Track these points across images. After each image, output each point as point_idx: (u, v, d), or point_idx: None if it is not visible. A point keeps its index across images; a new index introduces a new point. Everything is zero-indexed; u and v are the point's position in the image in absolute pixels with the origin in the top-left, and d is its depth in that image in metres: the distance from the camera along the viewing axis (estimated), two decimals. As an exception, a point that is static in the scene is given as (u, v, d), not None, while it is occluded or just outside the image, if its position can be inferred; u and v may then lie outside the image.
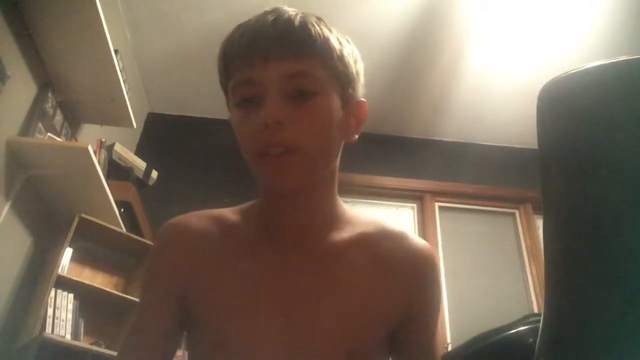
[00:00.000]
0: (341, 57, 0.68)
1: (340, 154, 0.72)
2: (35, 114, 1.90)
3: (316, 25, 0.66)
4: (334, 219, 0.72)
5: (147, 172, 2.69)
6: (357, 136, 0.73)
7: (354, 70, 0.70)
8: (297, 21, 0.64)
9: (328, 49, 0.66)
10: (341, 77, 0.68)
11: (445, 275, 3.01)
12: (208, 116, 3.29)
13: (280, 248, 0.70)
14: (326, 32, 0.67)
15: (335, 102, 0.67)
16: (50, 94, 2.00)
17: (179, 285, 0.70)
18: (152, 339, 0.70)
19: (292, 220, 0.70)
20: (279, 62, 0.63)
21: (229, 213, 0.76)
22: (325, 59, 0.65)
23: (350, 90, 0.70)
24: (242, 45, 0.65)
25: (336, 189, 0.74)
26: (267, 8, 0.68)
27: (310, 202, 0.70)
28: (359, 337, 0.67)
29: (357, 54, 0.73)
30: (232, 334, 0.67)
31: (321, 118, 0.65)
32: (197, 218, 0.75)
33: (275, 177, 0.64)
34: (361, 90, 0.73)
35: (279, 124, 0.61)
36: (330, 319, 0.66)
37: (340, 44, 0.68)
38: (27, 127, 1.87)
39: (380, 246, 0.71)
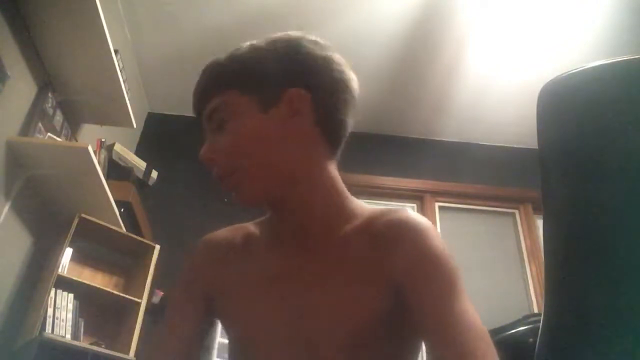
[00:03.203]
0: (243, 70, 0.74)
1: (300, 147, 0.73)
2: (35, 114, 1.90)
3: (215, 64, 0.76)
4: (341, 216, 0.75)
5: (147, 172, 2.69)
6: (310, 122, 0.73)
7: (262, 68, 0.73)
8: (205, 72, 0.77)
9: (225, 76, 0.74)
10: (249, 87, 0.73)
11: (445, 275, 3.00)
12: (208, 116, 3.28)
13: (284, 251, 0.76)
14: (222, 61, 0.76)
15: (251, 116, 0.72)
16: (50, 94, 2.00)
17: (203, 288, 0.80)
18: (180, 332, 0.77)
19: (291, 226, 0.76)
20: (203, 111, 0.76)
21: (251, 226, 0.85)
22: (227, 86, 0.73)
23: (266, 90, 0.73)
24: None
25: (336, 188, 0.77)
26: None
27: (303, 208, 0.74)
28: (358, 323, 0.68)
29: (283, 46, 0.75)
30: (242, 327, 0.76)
31: (239, 139, 0.72)
32: (224, 232, 0.85)
33: (231, 195, 0.74)
34: (303, 79, 0.73)
35: (211, 160, 0.73)
36: (326, 309, 0.69)
37: (239, 57, 0.75)
38: (27, 127, 1.86)
39: (376, 229, 0.72)
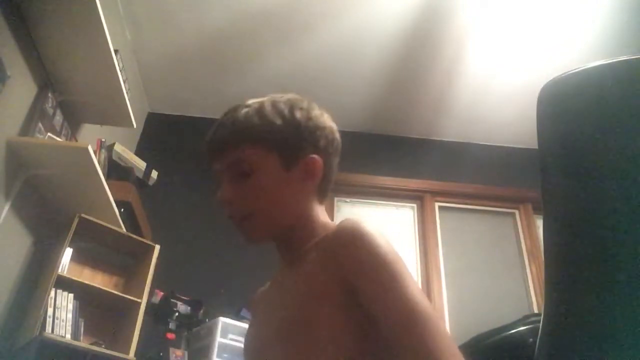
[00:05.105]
0: (266, 129, 0.84)
1: (304, 202, 0.87)
2: (35, 114, 1.90)
3: (237, 117, 0.86)
4: (310, 237, 0.86)
5: (147, 172, 2.69)
6: (317, 183, 0.87)
7: (281, 129, 0.85)
8: (225, 122, 0.87)
9: (249, 132, 0.84)
10: (275, 145, 0.84)
11: (445, 275, 3.01)
12: (208, 116, 3.29)
13: (281, 273, 0.91)
14: (242, 118, 0.85)
15: (273, 170, 0.84)
16: (50, 94, 2.00)
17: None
18: None
19: (285, 254, 0.90)
20: (220, 156, 0.86)
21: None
22: (251, 142, 0.84)
23: (288, 152, 0.85)
24: (204, 147, 0.90)
25: (317, 220, 0.88)
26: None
27: (293, 241, 0.87)
28: (310, 311, 0.76)
29: (295, 114, 0.87)
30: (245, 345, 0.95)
31: (262, 189, 0.84)
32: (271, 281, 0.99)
33: (241, 235, 0.86)
34: (315, 145, 0.86)
35: (230, 203, 0.84)
36: (291, 304, 0.80)
37: (264, 117, 0.85)
38: (27, 127, 1.87)
39: (326, 239, 0.81)
